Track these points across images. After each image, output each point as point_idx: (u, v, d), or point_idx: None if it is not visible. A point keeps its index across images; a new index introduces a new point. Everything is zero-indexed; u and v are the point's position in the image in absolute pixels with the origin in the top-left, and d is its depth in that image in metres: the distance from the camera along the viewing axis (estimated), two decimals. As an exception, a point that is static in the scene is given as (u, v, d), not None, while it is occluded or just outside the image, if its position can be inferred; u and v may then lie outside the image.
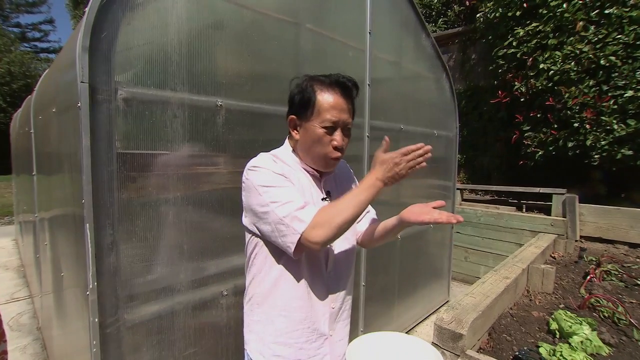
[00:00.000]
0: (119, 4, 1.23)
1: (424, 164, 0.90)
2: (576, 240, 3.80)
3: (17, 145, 4.56)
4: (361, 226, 1.21)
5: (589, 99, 3.88)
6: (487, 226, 4.35)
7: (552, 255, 3.46)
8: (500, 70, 4.81)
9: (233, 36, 1.60)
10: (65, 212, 1.62)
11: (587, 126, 3.94)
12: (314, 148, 1.02)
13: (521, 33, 4.38)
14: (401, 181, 0.92)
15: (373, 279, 2.54)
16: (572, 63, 3.98)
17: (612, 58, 3.73)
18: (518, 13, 4.42)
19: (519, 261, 2.73)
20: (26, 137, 3.01)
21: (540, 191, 4.20)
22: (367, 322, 2.51)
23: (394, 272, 2.84)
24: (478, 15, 5.19)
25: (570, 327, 1.82)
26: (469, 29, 5.91)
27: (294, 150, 1.10)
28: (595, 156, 3.97)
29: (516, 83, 4.51)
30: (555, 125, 4.26)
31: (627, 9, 3.71)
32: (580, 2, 3.91)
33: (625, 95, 3.69)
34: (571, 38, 4.01)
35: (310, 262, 1.04)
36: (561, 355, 1.58)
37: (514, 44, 4.48)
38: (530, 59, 4.32)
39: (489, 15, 4.86)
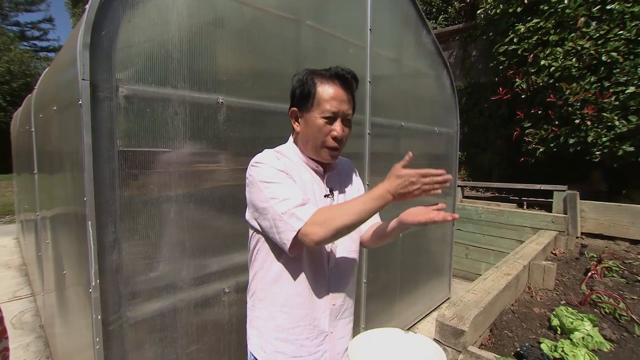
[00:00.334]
0: (119, 1, 1.23)
1: (440, 191, 0.87)
2: (577, 237, 3.80)
3: (18, 144, 4.56)
4: (365, 226, 1.21)
5: (590, 95, 3.87)
6: (488, 223, 4.35)
7: (553, 252, 3.46)
8: (501, 67, 4.80)
9: (234, 33, 1.59)
10: (66, 210, 1.63)
11: (589, 123, 3.93)
12: (314, 139, 1.03)
13: (522, 29, 4.36)
14: (408, 201, 0.89)
15: (374, 276, 2.55)
16: (574, 59, 3.96)
17: (614, 54, 3.72)
18: (519, 9, 4.41)
19: (520, 258, 2.73)
20: (27, 136, 3.01)
21: (541, 188, 4.20)
22: (369, 319, 2.52)
23: (395, 270, 2.84)
24: (479, 11, 5.17)
25: (572, 323, 1.82)
26: (470, 25, 5.89)
27: (296, 145, 1.10)
28: (597, 153, 3.97)
29: (517, 80, 4.50)
30: (556, 122, 4.26)
31: (629, 4, 3.69)
32: (582, -3, 3.90)
33: (627, 91, 3.68)
34: (572, 34, 3.99)
35: (311, 259, 1.05)
36: (562, 351, 1.59)
37: (515, 40, 4.46)
38: (531, 56, 4.30)
39: (489, 12, 4.84)
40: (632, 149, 3.76)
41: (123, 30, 1.24)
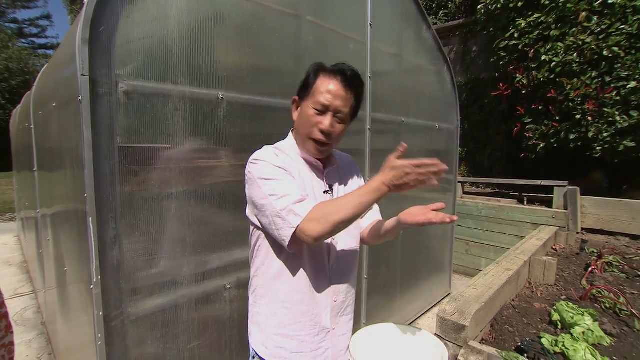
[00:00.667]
0: (118, -4, 1.22)
1: (436, 182, 0.85)
2: (577, 233, 3.80)
3: (18, 141, 4.55)
4: (364, 223, 1.21)
5: (591, 90, 3.85)
6: (489, 219, 4.35)
7: (554, 248, 3.47)
8: (501, 63, 4.77)
9: (233, 28, 1.58)
10: (67, 207, 1.62)
11: (589, 118, 3.92)
12: (303, 128, 1.04)
13: (523, 24, 4.34)
14: (405, 192, 0.88)
15: (375, 272, 2.55)
16: (575, 54, 3.94)
17: (615, 49, 3.70)
18: (520, 4, 4.38)
19: (520, 253, 2.74)
20: (26, 133, 3.01)
21: (542, 184, 4.20)
22: (370, 315, 2.53)
23: (395, 265, 2.85)
24: (479, 6, 5.14)
25: (572, 318, 1.82)
26: (470, 21, 5.86)
27: (296, 142, 1.10)
28: (597, 148, 3.96)
29: (517, 75, 4.48)
30: (557, 118, 4.24)
31: (631, -1, 3.67)
32: (583, -8, 3.87)
33: (628, 86, 3.66)
34: (574, 29, 3.97)
35: (312, 256, 1.05)
36: (563, 345, 1.59)
37: (516, 35, 4.44)
38: (532, 51, 4.28)
39: (490, 7, 4.81)
40: (633, 144, 3.75)
41: (122, 26, 1.23)
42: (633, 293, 2.32)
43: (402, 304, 2.97)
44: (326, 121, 1.00)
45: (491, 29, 4.96)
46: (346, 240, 1.11)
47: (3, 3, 22.11)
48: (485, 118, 5.67)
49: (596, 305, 2.14)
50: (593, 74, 3.88)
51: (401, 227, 1.04)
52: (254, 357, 1.10)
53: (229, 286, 1.61)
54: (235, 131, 1.59)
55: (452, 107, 3.50)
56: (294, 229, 0.90)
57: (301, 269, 1.03)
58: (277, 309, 1.06)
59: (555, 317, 1.93)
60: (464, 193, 5.13)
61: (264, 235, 1.05)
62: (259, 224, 1.03)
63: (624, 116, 3.73)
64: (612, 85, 3.76)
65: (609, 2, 3.75)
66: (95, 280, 1.21)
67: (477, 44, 5.94)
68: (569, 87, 3.98)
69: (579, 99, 3.95)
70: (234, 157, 1.59)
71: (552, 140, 4.31)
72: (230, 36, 1.57)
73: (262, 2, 1.70)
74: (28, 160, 3.02)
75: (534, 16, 4.24)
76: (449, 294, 3.68)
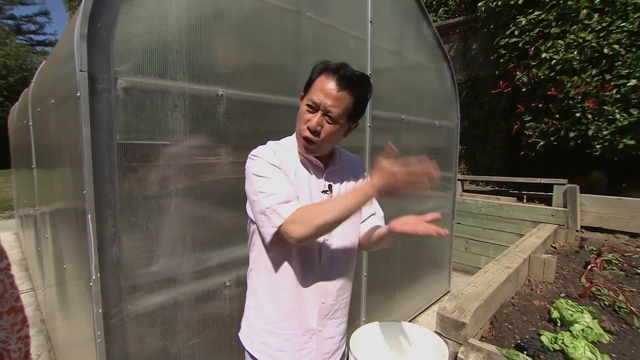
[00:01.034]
0: (116, -9, 1.20)
1: (428, 186, 0.79)
2: (577, 230, 3.81)
3: (16, 138, 4.53)
4: (364, 227, 1.18)
5: (591, 88, 3.85)
6: (488, 217, 4.35)
7: (553, 245, 3.47)
8: (501, 60, 4.77)
9: (233, 25, 1.57)
10: (66, 204, 1.62)
11: (589, 116, 3.91)
12: (297, 125, 1.05)
13: (523, 22, 4.32)
14: (400, 198, 0.83)
15: (375, 269, 2.55)
16: (575, 52, 3.94)
17: (616, 46, 3.69)
18: (520, 1, 4.36)
19: (520, 251, 2.74)
20: (24, 130, 2.99)
21: (541, 182, 4.20)
22: (369, 313, 2.53)
23: (395, 263, 2.85)
24: (479, 4, 5.12)
25: (572, 315, 1.83)
26: (470, 18, 5.84)
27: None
28: (597, 146, 3.96)
29: (518, 73, 4.47)
30: (557, 115, 4.24)
31: (631, -4, 3.66)
32: (584, -11, 3.86)
33: (628, 84, 3.66)
34: (574, 26, 3.96)
35: (302, 254, 1.03)
36: (563, 343, 1.59)
37: (516, 33, 4.43)
38: (532, 48, 4.27)
39: (490, 4, 4.80)
40: (632, 142, 3.75)
41: (121, 21, 1.22)
42: (632, 291, 2.32)
43: (402, 301, 2.97)
44: (313, 119, 0.98)
45: (491, 27, 4.94)
46: (341, 242, 1.09)
47: (0, 0, 21.98)
48: (485, 116, 5.67)
49: (595, 302, 2.15)
50: (593, 72, 3.88)
51: (392, 235, 1.01)
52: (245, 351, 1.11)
53: (228, 284, 1.61)
54: (235, 128, 1.58)
55: (452, 104, 3.49)
56: (276, 229, 0.91)
57: (289, 267, 1.03)
58: (264, 305, 1.06)
59: (555, 314, 1.93)
60: (464, 191, 5.13)
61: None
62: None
63: (624, 114, 3.73)
64: (612, 83, 3.75)
65: (610, -1, 3.74)
66: (94, 277, 1.20)
67: (477, 42, 5.92)
68: (569, 84, 3.97)
69: (579, 97, 3.94)
70: (234, 154, 1.58)
71: (552, 138, 4.31)
72: (230, 32, 1.56)
73: (262, -2, 1.68)
74: (26, 158, 3.01)
75: (535, 13, 4.23)
76: (448, 291, 3.69)
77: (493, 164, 5.72)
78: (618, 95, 3.73)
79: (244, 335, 1.12)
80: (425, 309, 3.31)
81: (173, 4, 1.35)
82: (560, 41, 4.04)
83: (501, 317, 2.02)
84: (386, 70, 2.61)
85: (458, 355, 1.59)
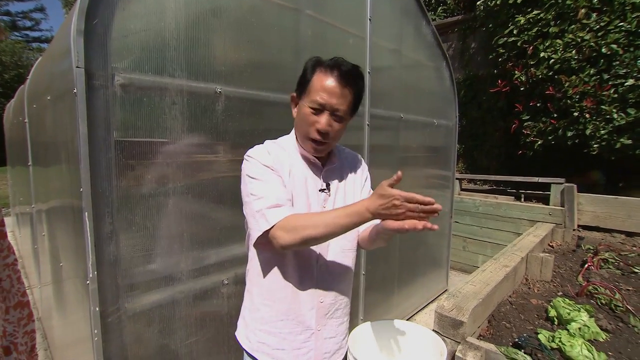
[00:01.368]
0: (113, -14, 1.19)
1: (428, 223, 0.76)
2: (574, 229, 3.83)
3: (12, 135, 4.49)
4: (362, 226, 1.15)
5: (589, 87, 3.86)
6: (486, 216, 4.36)
7: (550, 244, 3.48)
8: (500, 59, 4.77)
9: (232, 22, 1.56)
10: (63, 201, 1.60)
11: (587, 115, 3.93)
12: (301, 127, 1.02)
13: (522, 21, 4.32)
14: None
15: (373, 268, 2.55)
16: (573, 51, 3.94)
17: (614, 46, 3.70)
18: (519, 0, 4.36)
19: (517, 250, 2.75)
20: (20, 127, 2.96)
21: (539, 181, 4.21)
22: (367, 311, 2.53)
23: (393, 261, 2.85)
24: (478, 3, 5.12)
25: (569, 314, 1.84)
26: (469, 17, 5.84)
27: (296, 138, 1.08)
28: (595, 145, 3.97)
29: (516, 72, 4.48)
30: (555, 115, 4.25)
31: (630, -4, 3.66)
32: (583, -12, 3.86)
33: (626, 84, 3.67)
34: (572, 26, 3.96)
35: (298, 254, 1.02)
36: (560, 341, 1.60)
37: (515, 32, 4.43)
38: (531, 48, 4.27)
39: (489, 3, 4.79)
40: (630, 141, 3.76)
41: (118, 17, 1.21)
42: (628, 289, 2.34)
43: (400, 299, 2.98)
44: (322, 120, 0.96)
45: (490, 26, 4.94)
46: (340, 242, 1.08)
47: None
48: (483, 115, 5.67)
49: (592, 301, 2.16)
50: (591, 72, 3.89)
51: (386, 233, 0.98)
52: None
53: (226, 282, 1.60)
54: (233, 126, 1.57)
55: (450, 103, 3.50)
56: (261, 233, 0.92)
57: (285, 267, 1.02)
58: (260, 305, 1.06)
59: (552, 313, 1.94)
60: (462, 190, 5.14)
61: None
62: None
63: (622, 114, 3.74)
64: (610, 83, 3.76)
65: (608, -1, 3.75)
66: (91, 275, 1.19)
67: (475, 41, 5.92)
68: (567, 84, 3.98)
69: (577, 97, 3.95)
70: (232, 152, 1.57)
71: (550, 138, 4.32)
72: (229, 29, 1.55)
73: (261, -5, 1.67)
74: (22, 155, 2.99)
75: (533, 13, 4.23)
76: (446, 290, 3.70)
77: (491, 162, 5.73)
78: (616, 95, 3.74)
79: (241, 335, 1.12)
80: (423, 307, 3.32)
81: (171, 1, 1.34)
82: (558, 40, 4.04)
83: (499, 315, 2.03)
84: (385, 68, 2.60)
85: (456, 353, 1.59)
